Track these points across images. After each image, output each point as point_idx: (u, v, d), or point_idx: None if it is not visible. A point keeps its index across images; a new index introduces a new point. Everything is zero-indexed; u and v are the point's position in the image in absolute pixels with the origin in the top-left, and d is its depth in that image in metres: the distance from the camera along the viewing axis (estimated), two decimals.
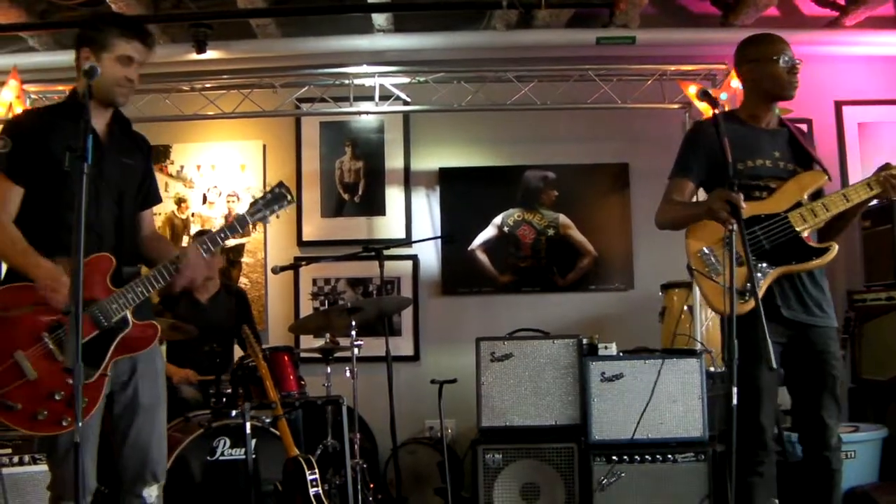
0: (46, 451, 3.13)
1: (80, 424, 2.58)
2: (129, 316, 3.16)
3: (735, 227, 3.23)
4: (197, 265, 3.28)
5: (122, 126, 3.38)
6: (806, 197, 3.62)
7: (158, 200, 3.62)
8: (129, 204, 3.33)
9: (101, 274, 3.13)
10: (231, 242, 6.76)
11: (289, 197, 3.46)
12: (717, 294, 3.55)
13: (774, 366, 3.09)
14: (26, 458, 4.49)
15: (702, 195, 3.91)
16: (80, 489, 2.65)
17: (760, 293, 3.46)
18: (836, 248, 3.60)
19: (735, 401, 3.02)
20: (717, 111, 3.25)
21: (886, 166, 3.59)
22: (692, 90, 6.08)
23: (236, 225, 3.37)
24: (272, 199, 3.44)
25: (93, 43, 3.19)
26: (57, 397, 2.97)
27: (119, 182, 3.27)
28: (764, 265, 3.60)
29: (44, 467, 4.43)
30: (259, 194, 3.52)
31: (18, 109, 6.14)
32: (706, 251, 3.71)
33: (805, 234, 3.61)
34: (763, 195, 3.66)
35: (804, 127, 6.53)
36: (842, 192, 3.62)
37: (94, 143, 3.03)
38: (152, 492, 3.30)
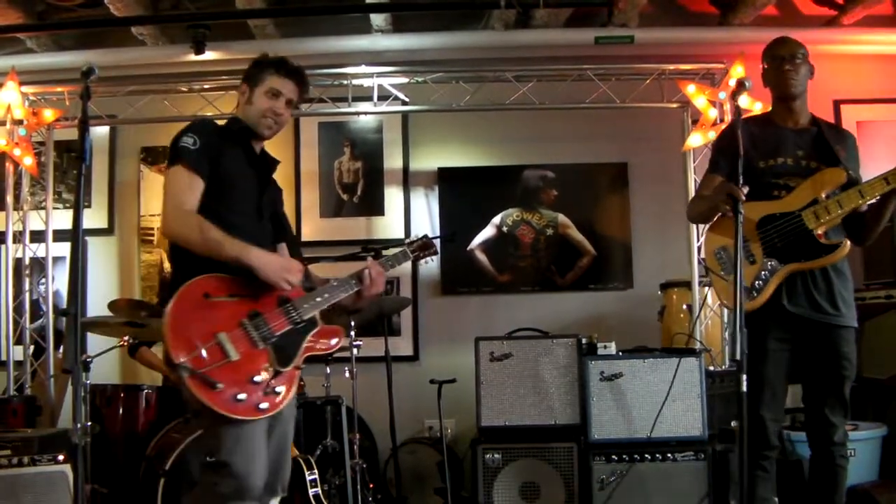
0: (227, 445, 3.03)
1: (78, 426, 2.58)
2: (318, 317, 3.32)
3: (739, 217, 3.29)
4: (378, 281, 3.51)
5: (270, 159, 3.62)
6: (823, 195, 3.62)
7: (290, 236, 3.76)
8: (286, 228, 3.62)
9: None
10: None
11: (434, 248, 3.91)
12: (729, 292, 3.54)
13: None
14: (25, 459, 4.48)
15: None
16: (80, 490, 2.64)
17: (770, 291, 3.61)
18: (847, 244, 3.60)
19: (745, 388, 3.06)
20: (734, 116, 3.34)
21: None
22: (691, 89, 6.08)
23: (400, 257, 3.76)
24: (424, 245, 3.85)
25: (250, 79, 3.44)
26: (257, 380, 3.02)
27: (271, 204, 3.49)
28: (774, 262, 3.64)
29: (45, 468, 4.45)
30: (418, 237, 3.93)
31: (17, 111, 6.15)
32: (721, 250, 3.81)
33: (819, 232, 3.61)
34: (782, 194, 3.71)
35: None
36: (858, 188, 3.61)
37: (254, 166, 3.41)
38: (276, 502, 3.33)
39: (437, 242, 3.81)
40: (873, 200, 3.66)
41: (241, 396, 2.96)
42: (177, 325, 2.96)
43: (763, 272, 3.66)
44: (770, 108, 3.95)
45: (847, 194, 3.60)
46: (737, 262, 3.15)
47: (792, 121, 3.81)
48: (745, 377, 3.01)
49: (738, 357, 3.06)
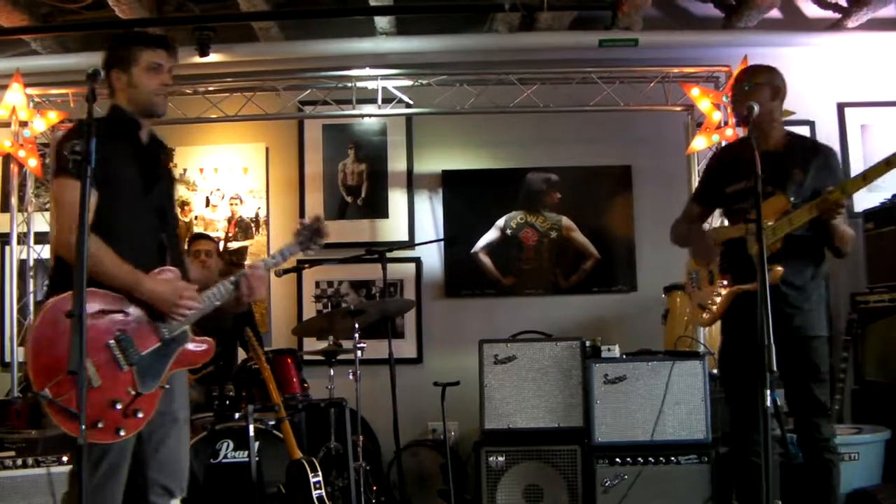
0: (87, 462, 3.05)
1: (83, 428, 2.56)
2: (188, 330, 3.20)
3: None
4: (257, 287, 3.34)
5: (157, 141, 3.44)
6: (770, 223, 3.77)
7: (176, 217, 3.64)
8: (170, 220, 3.39)
9: None
10: (234, 245, 6.78)
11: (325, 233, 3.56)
12: (692, 307, 4.22)
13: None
14: (30, 460, 4.49)
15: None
16: (85, 492, 2.64)
17: (721, 309, 3.98)
18: (776, 271, 3.74)
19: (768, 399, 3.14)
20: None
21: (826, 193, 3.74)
22: (695, 92, 6.09)
23: (286, 252, 3.47)
24: (314, 234, 3.54)
25: (120, 63, 3.28)
26: (118, 406, 2.96)
27: (161, 198, 3.33)
28: (725, 283, 4.00)
29: (46, 470, 4.46)
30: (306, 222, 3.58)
31: (22, 113, 6.17)
32: (694, 272, 4.26)
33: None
34: (741, 219, 3.95)
35: (805, 129, 6.55)
36: (789, 217, 3.79)
37: (140, 159, 3.23)
38: None
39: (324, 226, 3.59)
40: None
41: (101, 423, 2.92)
42: (39, 350, 2.88)
43: (716, 292, 4.03)
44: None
45: (782, 222, 3.80)
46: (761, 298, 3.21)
47: (765, 144, 3.94)
48: (768, 392, 3.11)
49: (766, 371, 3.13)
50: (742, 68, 4.34)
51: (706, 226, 4.48)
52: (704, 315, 4.10)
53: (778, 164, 3.86)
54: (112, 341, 3.00)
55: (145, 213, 3.24)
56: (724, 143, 5.83)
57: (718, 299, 4.00)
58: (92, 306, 2.95)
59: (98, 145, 2.99)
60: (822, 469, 3.86)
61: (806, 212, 3.75)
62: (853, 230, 4.01)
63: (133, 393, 3.00)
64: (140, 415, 3.02)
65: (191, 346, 3.21)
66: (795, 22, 6.73)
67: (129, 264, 3.04)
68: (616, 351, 5.28)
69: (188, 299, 3.12)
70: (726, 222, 4.34)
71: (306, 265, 5.92)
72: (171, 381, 3.22)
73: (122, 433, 2.97)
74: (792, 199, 3.82)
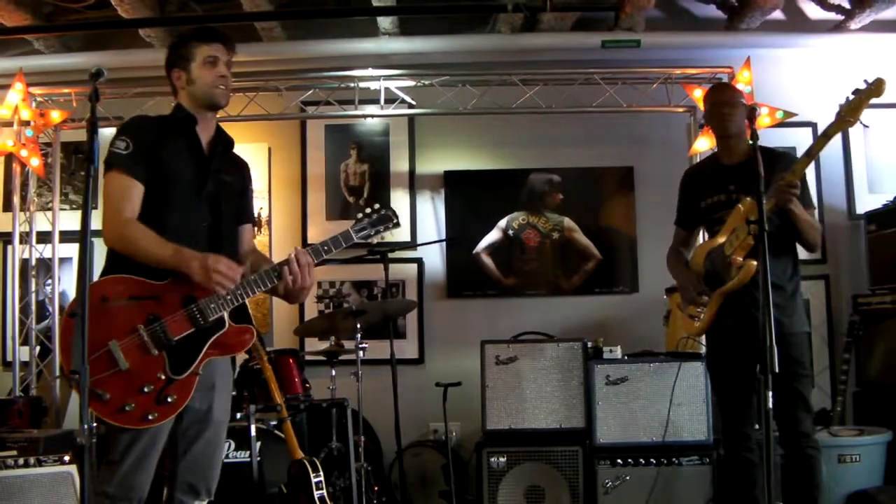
0: (118, 448, 3.05)
1: (85, 427, 2.57)
2: (227, 317, 3.17)
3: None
4: (304, 273, 3.27)
5: (225, 145, 3.46)
6: (743, 224, 3.90)
7: (252, 220, 3.66)
8: (227, 216, 3.38)
9: None
10: None
11: (395, 220, 3.44)
12: (684, 319, 4.33)
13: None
14: (31, 460, 4.49)
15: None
16: (86, 493, 2.64)
17: (709, 316, 4.10)
18: (751, 264, 3.84)
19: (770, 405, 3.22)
20: (752, 139, 3.60)
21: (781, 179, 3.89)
22: (697, 93, 6.08)
23: (340, 240, 3.38)
24: (378, 220, 3.42)
25: (178, 62, 3.36)
26: (146, 390, 2.98)
27: (215, 196, 3.33)
28: (709, 291, 4.11)
29: (48, 469, 4.46)
30: (368, 211, 3.47)
31: (24, 112, 6.17)
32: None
33: (735, 257, 3.95)
34: (717, 229, 4.13)
35: (808, 130, 6.55)
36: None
37: (196, 156, 3.27)
38: None
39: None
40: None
41: (129, 407, 2.94)
42: (70, 333, 2.89)
43: (703, 301, 4.15)
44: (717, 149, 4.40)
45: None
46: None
47: (728, 157, 4.22)
48: (770, 393, 3.18)
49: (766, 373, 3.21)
50: (716, 86, 4.61)
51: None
52: (696, 324, 4.22)
53: (744, 174, 3.98)
54: (141, 326, 3.01)
55: (197, 211, 3.26)
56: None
57: (705, 309, 4.13)
58: (121, 293, 3.03)
59: (151, 142, 3.16)
60: (803, 464, 3.93)
61: (767, 203, 3.82)
62: (820, 225, 4.16)
63: (164, 378, 3.01)
64: (171, 400, 3.01)
65: (229, 333, 3.17)
66: (798, 23, 6.73)
67: (171, 243, 3.06)
68: (618, 352, 5.29)
69: (226, 270, 3.07)
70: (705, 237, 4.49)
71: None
72: (213, 381, 3.24)
73: (152, 418, 2.98)
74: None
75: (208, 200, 3.29)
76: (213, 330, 3.13)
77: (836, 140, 6.60)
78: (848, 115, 3.83)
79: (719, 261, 4.03)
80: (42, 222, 6.55)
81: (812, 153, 3.89)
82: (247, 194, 3.59)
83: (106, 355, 2.95)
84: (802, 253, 4.16)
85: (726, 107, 4.15)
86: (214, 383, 3.26)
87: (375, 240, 3.47)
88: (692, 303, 4.20)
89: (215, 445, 3.31)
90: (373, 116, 6.58)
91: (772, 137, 6.00)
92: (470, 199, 6.82)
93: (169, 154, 3.19)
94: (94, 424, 4.83)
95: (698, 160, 6.22)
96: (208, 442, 3.26)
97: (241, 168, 3.58)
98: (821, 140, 3.90)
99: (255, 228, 3.63)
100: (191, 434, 3.22)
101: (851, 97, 3.86)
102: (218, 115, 3.23)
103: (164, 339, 3.02)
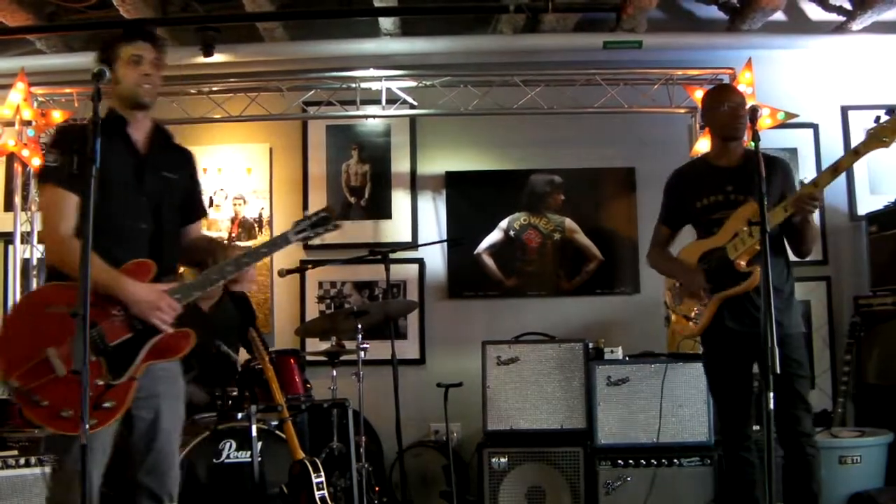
0: (59, 452, 3.06)
1: (86, 426, 2.58)
2: None
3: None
4: (243, 277, 3.35)
5: (163, 140, 3.44)
6: (745, 227, 3.96)
7: (203, 214, 3.67)
8: (169, 218, 3.36)
9: (142, 279, 3.15)
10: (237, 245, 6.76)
11: (334, 222, 3.45)
12: (678, 321, 4.34)
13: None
14: (32, 459, 4.49)
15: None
16: (87, 493, 2.64)
17: (707, 317, 4.11)
18: (757, 272, 3.92)
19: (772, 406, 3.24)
20: (753, 139, 3.56)
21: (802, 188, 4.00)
22: (699, 94, 6.08)
23: (279, 241, 3.38)
24: (318, 222, 3.43)
25: (105, 63, 3.25)
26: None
27: (157, 195, 3.31)
28: (706, 294, 4.11)
29: (49, 469, 4.45)
30: (308, 213, 3.50)
31: (26, 112, 6.17)
32: (675, 286, 4.41)
33: (739, 261, 4.00)
34: (716, 230, 4.14)
35: (809, 131, 6.56)
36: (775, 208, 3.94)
37: (133, 155, 3.24)
38: None
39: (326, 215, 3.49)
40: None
41: (66, 413, 2.93)
42: (8, 340, 2.96)
43: (700, 303, 4.16)
44: (710, 150, 4.45)
45: (754, 227, 3.90)
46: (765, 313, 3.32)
47: (726, 159, 4.22)
48: (772, 395, 3.21)
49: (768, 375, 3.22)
50: (726, 87, 4.67)
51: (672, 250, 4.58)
52: (691, 325, 4.22)
53: (742, 175, 4.06)
54: None
55: (136, 210, 3.24)
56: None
57: (703, 309, 4.13)
58: (60, 300, 3.00)
59: (83, 149, 3.02)
60: (803, 464, 3.94)
61: (780, 211, 3.87)
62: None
63: (101, 384, 3.00)
64: (109, 406, 3.00)
65: (166, 338, 3.15)
66: (799, 24, 6.72)
67: (113, 268, 3.06)
68: (619, 353, 5.30)
69: (168, 309, 3.10)
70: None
71: (310, 266, 5.93)
72: (157, 389, 3.22)
73: (91, 424, 2.90)
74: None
75: (150, 201, 3.28)
76: (151, 335, 3.12)
77: (838, 140, 6.67)
78: (884, 134, 3.80)
79: (720, 263, 4.05)
80: None
81: (839, 168, 3.89)
82: (194, 188, 3.58)
83: (44, 362, 2.95)
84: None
85: (741, 108, 4.14)
86: (158, 392, 3.23)
87: (316, 241, 3.55)
88: (694, 297, 4.19)
89: (167, 454, 3.28)
90: (374, 117, 6.58)
91: (773, 139, 6.01)
92: (471, 199, 6.82)
93: (103, 158, 3.06)
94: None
95: None
96: (160, 451, 3.24)
97: (185, 160, 3.55)
98: (850, 156, 3.91)
99: (205, 219, 3.61)
100: (142, 444, 3.21)
101: (886, 118, 3.82)
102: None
103: (100, 345, 3.02)
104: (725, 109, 4.16)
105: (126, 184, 3.22)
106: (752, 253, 3.93)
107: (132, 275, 3.11)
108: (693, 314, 4.19)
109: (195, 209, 3.59)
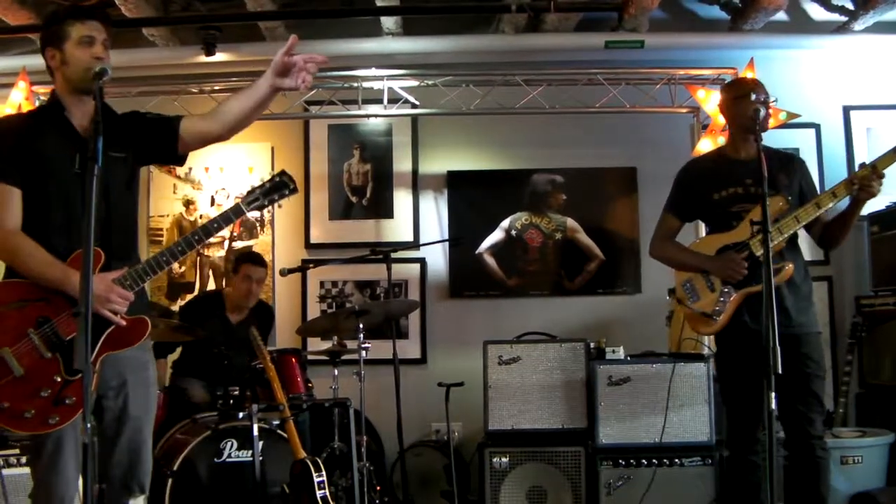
0: (31, 453, 3.05)
1: (88, 426, 2.56)
2: None
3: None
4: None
5: (107, 118, 3.17)
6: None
7: (174, 125, 3.39)
8: (118, 198, 3.21)
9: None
10: (239, 244, 6.77)
11: (291, 185, 3.27)
12: (693, 317, 4.18)
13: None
14: None
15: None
16: (88, 489, 2.64)
17: (728, 314, 4.01)
18: (790, 267, 3.91)
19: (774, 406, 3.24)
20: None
21: (860, 168, 3.93)
22: (701, 94, 6.09)
23: (230, 214, 3.20)
24: (271, 188, 3.26)
25: (53, 41, 3.15)
26: (43, 394, 2.92)
27: (102, 178, 3.04)
28: (729, 288, 4.02)
29: None
30: (263, 180, 3.33)
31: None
32: (687, 282, 4.21)
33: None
34: (735, 223, 4.06)
35: (811, 131, 6.57)
36: (794, 215, 3.92)
37: (73, 141, 3.10)
38: (138, 502, 3.25)
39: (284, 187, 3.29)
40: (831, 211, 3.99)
41: (28, 414, 2.90)
42: None
43: (721, 298, 4.03)
44: (726, 142, 4.37)
45: (787, 220, 3.91)
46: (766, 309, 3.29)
47: (744, 152, 4.14)
48: (773, 395, 3.20)
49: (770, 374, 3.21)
50: (751, 80, 4.48)
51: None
52: (711, 322, 4.08)
53: (759, 170, 3.92)
54: (31, 329, 2.95)
55: (80, 196, 3.00)
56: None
57: (726, 306, 4.01)
58: (10, 298, 2.97)
59: (20, 140, 3.02)
60: (812, 466, 3.90)
61: (828, 196, 3.89)
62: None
63: (59, 380, 2.95)
64: (70, 402, 2.95)
65: (121, 326, 3.05)
66: (801, 24, 6.72)
67: (59, 262, 2.98)
68: (620, 352, 5.29)
69: (118, 299, 2.99)
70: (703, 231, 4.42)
71: (311, 265, 5.94)
72: (124, 377, 3.15)
73: (53, 422, 2.93)
74: (789, 198, 3.96)
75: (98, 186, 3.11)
76: (105, 325, 3.01)
77: (839, 140, 6.68)
78: None
79: (747, 258, 3.97)
80: None
81: (837, 193, 3.91)
82: (152, 124, 3.42)
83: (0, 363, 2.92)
84: (806, 254, 4.18)
85: (767, 104, 4.09)
86: (126, 380, 3.16)
87: (273, 208, 3.36)
88: (733, 277, 3.99)
89: (138, 442, 3.21)
90: (376, 116, 6.58)
91: (775, 138, 5.98)
92: (473, 199, 6.82)
93: (43, 147, 3.04)
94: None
95: None
96: (130, 440, 3.18)
97: (130, 126, 3.40)
98: None
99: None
100: (111, 433, 3.16)
101: None
102: None
103: (55, 341, 2.96)
104: (753, 102, 4.01)
105: (67, 171, 3.06)
106: (779, 249, 3.89)
107: (79, 263, 2.90)
108: (712, 310, 4.05)
109: (167, 124, 3.40)
